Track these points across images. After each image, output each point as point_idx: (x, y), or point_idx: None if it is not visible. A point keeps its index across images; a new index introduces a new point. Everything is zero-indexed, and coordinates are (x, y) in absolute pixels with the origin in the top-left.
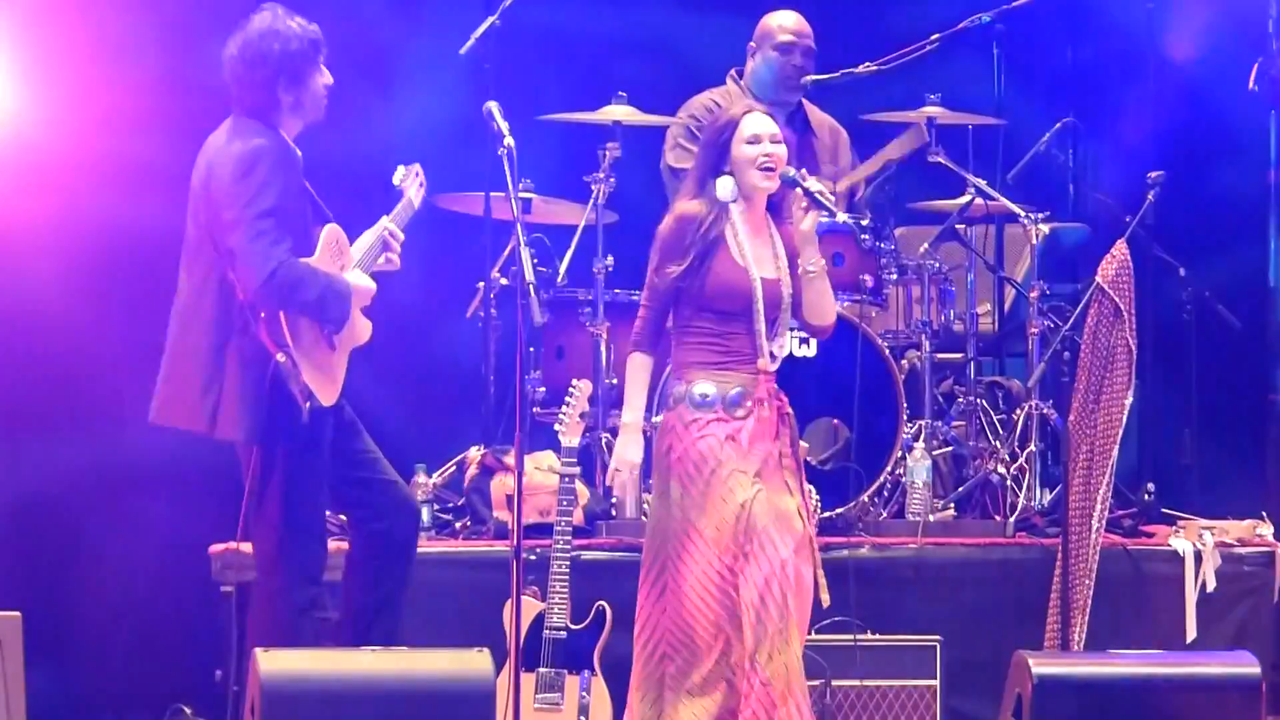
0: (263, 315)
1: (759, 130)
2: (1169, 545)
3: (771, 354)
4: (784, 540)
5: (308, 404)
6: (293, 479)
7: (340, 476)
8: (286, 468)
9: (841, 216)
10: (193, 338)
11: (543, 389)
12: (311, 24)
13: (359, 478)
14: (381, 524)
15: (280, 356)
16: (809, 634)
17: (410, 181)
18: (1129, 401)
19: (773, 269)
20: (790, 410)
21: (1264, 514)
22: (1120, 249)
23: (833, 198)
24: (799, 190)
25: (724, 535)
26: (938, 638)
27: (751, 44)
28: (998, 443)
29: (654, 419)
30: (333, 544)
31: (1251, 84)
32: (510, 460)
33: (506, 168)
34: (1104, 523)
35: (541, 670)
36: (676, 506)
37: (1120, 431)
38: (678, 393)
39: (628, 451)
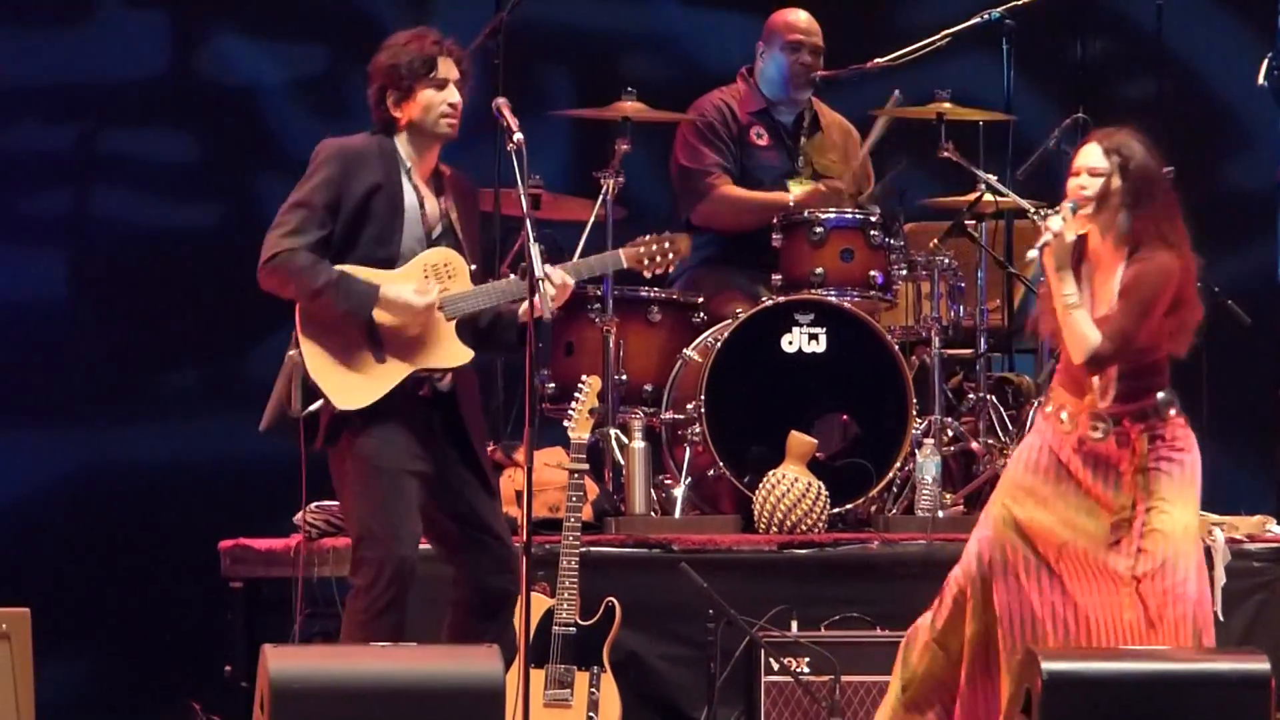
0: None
1: (1078, 163)
2: None
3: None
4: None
5: (318, 403)
6: (357, 478)
7: (442, 515)
8: (353, 466)
9: (1030, 254)
10: None
11: (552, 385)
12: (437, 40)
13: (469, 541)
14: (468, 573)
15: (292, 351)
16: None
17: (645, 247)
18: None
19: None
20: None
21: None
22: None
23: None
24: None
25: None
26: None
27: (760, 43)
28: (1007, 439)
29: (662, 416)
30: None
31: (1260, 80)
32: (519, 456)
33: (516, 163)
34: None
35: (551, 667)
36: None
37: None
38: None
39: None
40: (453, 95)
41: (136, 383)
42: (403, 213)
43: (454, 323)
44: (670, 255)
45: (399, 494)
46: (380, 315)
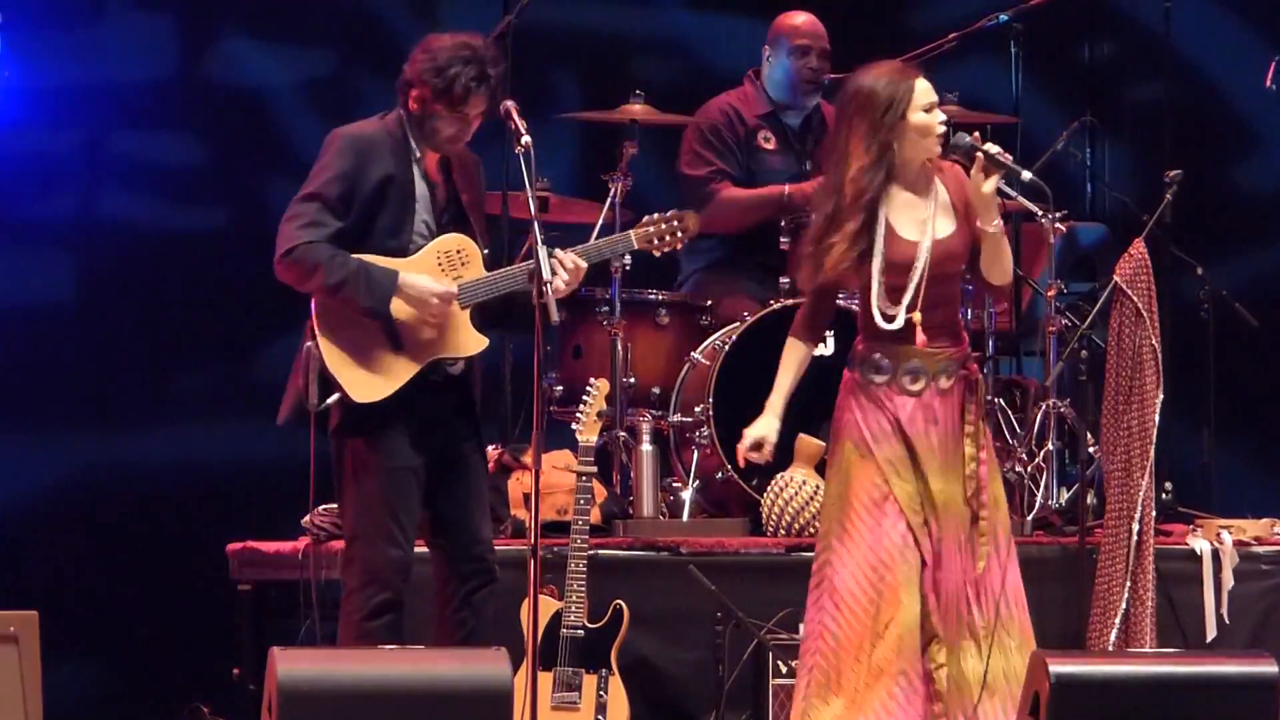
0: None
1: (930, 100)
2: (1187, 544)
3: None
4: None
5: (335, 396)
6: (356, 474)
7: (431, 508)
8: (353, 461)
9: (1026, 174)
10: None
11: (560, 388)
12: (493, 60)
13: (442, 524)
14: (450, 576)
15: (308, 343)
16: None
17: (654, 227)
18: (1160, 399)
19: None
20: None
21: None
22: (1138, 248)
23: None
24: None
25: None
26: None
27: (766, 46)
28: (1015, 442)
29: (670, 418)
30: None
31: (1268, 82)
32: (527, 459)
33: (524, 166)
34: (1150, 525)
35: (559, 669)
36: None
37: (1155, 431)
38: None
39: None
40: (470, 130)
41: (145, 386)
42: (414, 201)
43: (468, 310)
44: (679, 234)
45: (398, 494)
46: (398, 308)
